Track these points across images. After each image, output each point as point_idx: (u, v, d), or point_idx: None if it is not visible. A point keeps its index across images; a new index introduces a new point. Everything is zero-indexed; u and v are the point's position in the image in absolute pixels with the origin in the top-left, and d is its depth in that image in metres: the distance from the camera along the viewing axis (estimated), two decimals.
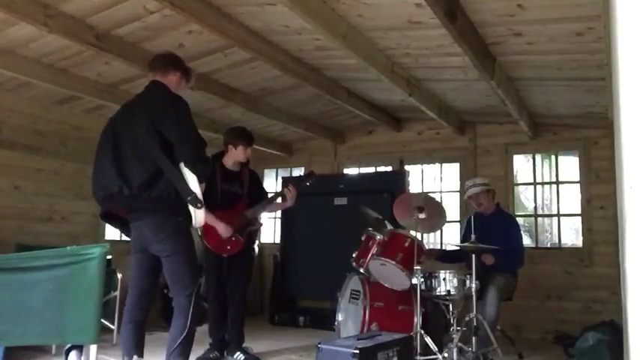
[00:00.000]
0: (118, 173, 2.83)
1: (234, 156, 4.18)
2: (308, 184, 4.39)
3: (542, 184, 6.57)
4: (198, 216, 2.85)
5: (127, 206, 2.94)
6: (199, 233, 3.99)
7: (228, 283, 4.19)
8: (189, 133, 2.88)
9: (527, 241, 6.54)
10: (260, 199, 4.25)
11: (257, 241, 4.54)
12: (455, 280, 3.83)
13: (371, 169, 6.98)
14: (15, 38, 3.86)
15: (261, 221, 4.46)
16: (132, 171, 2.83)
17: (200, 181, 2.84)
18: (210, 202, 4.00)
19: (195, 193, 2.79)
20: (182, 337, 2.83)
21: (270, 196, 4.39)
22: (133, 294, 3.04)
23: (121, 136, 2.93)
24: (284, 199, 4.28)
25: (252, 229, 4.21)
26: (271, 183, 7.56)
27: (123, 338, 3.01)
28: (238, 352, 4.13)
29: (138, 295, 3.03)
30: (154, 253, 2.96)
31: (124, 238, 5.97)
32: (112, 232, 6.06)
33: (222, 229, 3.95)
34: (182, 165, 2.82)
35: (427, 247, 4.54)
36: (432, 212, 4.15)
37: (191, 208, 2.81)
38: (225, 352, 4.20)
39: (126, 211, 2.99)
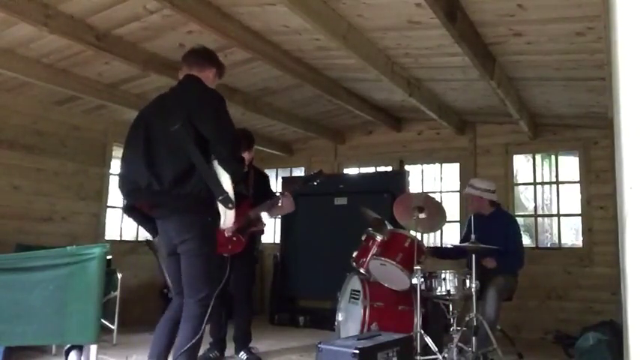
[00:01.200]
0: (149, 167, 2.73)
1: None
2: (315, 183, 4.34)
3: (542, 184, 6.57)
4: (229, 216, 2.74)
5: (154, 202, 2.81)
6: None
7: (232, 283, 4.19)
8: (226, 131, 2.79)
9: (527, 241, 6.55)
10: (266, 199, 4.22)
11: (259, 244, 4.45)
12: (455, 280, 3.82)
13: (371, 169, 6.98)
14: (15, 38, 3.86)
15: (265, 222, 4.41)
16: (164, 166, 2.72)
17: (233, 181, 2.74)
18: None
19: (227, 193, 2.69)
20: (190, 344, 2.70)
21: (273, 198, 4.34)
22: (179, 297, 2.89)
23: (153, 129, 2.82)
24: (281, 205, 4.22)
25: (254, 230, 4.20)
26: (271, 183, 7.55)
27: (157, 337, 2.88)
28: (242, 352, 4.15)
29: (182, 298, 2.87)
30: (179, 252, 2.84)
31: (124, 237, 6.09)
32: (112, 232, 6.07)
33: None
34: (215, 163, 2.73)
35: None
36: (432, 212, 4.15)
37: (221, 208, 2.71)
38: (225, 352, 4.21)
39: (150, 207, 2.86)
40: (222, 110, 2.83)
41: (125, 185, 2.86)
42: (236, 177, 2.78)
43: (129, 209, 2.96)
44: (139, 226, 3.36)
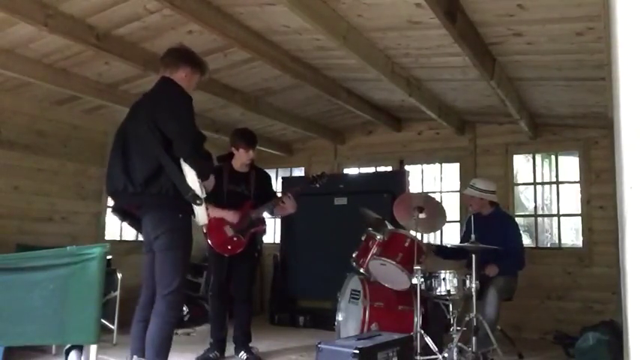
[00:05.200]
0: (123, 170, 2.87)
1: (239, 157, 4.20)
2: (318, 185, 4.33)
3: (542, 184, 6.57)
4: (199, 213, 2.84)
5: (133, 203, 2.97)
6: (204, 231, 3.97)
7: (233, 283, 4.19)
8: (185, 129, 2.86)
9: (527, 241, 6.54)
10: (268, 200, 4.23)
11: (259, 246, 4.45)
12: (455, 280, 3.83)
13: (371, 169, 6.98)
14: (15, 38, 3.86)
15: (265, 223, 4.39)
16: (135, 168, 2.85)
17: (200, 177, 2.82)
18: (216, 203, 4.03)
19: (193, 190, 2.78)
20: (159, 340, 2.81)
21: (274, 198, 4.33)
22: (146, 293, 3.05)
23: (128, 134, 2.97)
24: (283, 205, 4.21)
25: (255, 230, 4.19)
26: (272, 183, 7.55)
27: (133, 337, 3.00)
28: (242, 352, 4.16)
29: (150, 295, 3.02)
30: (154, 249, 2.96)
31: (124, 237, 6.10)
32: (112, 232, 6.07)
33: (230, 216, 3.94)
34: (182, 161, 2.82)
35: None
36: (432, 212, 4.15)
37: (193, 205, 2.82)
38: (225, 352, 4.21)
39: (135, 208, 3.01)
40: (182, 110, 2.91)
41: (108, 189, 3.04)
42: (203, 173, 2.87)
43: (118, 211, 3.10)
44: (132, 228, 3.43)
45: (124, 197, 2.94)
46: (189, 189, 2.78)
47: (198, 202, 2.80)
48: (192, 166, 2.80)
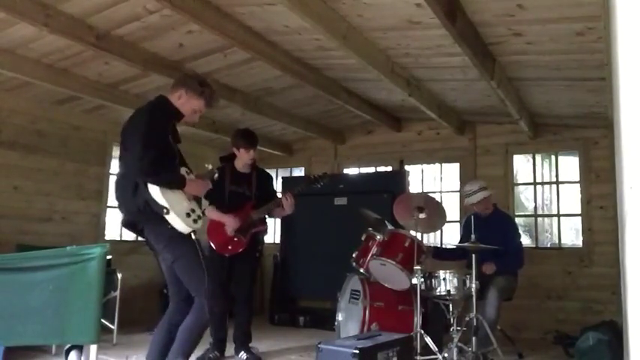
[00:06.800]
0: (117, 189, 2.95)
1: (240, 158, 4.21)
2: (319, 185, 4.32)
3: (542, 184, 6.56)
4: (173, 222, 2.79)
5: (132, 218, 2.98)
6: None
7: (233, 283, 4.19)
8: (139, 147, 2.77)
9: (527, 241, 6.54)
10: (269, 200, 4.22)
11: (261, 246, 4.48)
12: (455, 280, 3.83)
13: (371, 169, 6.98)
14: (15, 38, 3.86)
15: (267, 223, 4.38)
16: (123, 187, 2.90)
17: (169, 188, 2.79)
18: (218, 204, 4.04)
19: (157, 202, 2.74)
20: (190, 333, 2.87)
21: (274, 199, 4.32)
22: (173, 300, 3.06)
23: (120, 152, 3.04)
24: (282, 206, 4.21)
25: (256, 231, 4.19)
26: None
27: (152, 341, 3.00)
28: (242, 352, 4.16)
29: (176, 301, 3.03)
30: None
31: (124, 238, 6.09)
32: (112, 232, 6.07)
33: (231, 222, 3.95)
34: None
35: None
36: (432, 212, 4.15)
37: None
38: (225, 352, 4.21)
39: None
40: (143, 128, 2.81)
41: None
42: (166, 186, 2.80)
43: (125, 225, 3.07)
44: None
45: (124, 215, 2.99)
46: (155, 202, 2.75)
47: (164, 211, 2.75)
48: (152, 183, 2.76)
